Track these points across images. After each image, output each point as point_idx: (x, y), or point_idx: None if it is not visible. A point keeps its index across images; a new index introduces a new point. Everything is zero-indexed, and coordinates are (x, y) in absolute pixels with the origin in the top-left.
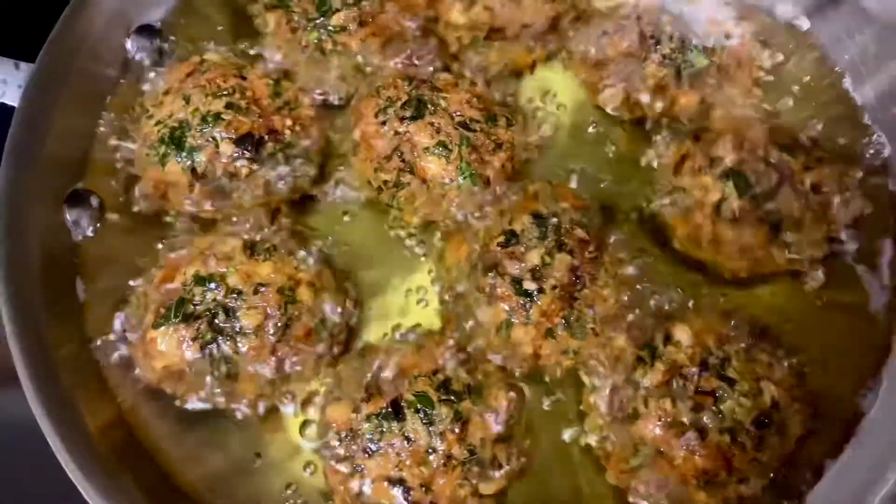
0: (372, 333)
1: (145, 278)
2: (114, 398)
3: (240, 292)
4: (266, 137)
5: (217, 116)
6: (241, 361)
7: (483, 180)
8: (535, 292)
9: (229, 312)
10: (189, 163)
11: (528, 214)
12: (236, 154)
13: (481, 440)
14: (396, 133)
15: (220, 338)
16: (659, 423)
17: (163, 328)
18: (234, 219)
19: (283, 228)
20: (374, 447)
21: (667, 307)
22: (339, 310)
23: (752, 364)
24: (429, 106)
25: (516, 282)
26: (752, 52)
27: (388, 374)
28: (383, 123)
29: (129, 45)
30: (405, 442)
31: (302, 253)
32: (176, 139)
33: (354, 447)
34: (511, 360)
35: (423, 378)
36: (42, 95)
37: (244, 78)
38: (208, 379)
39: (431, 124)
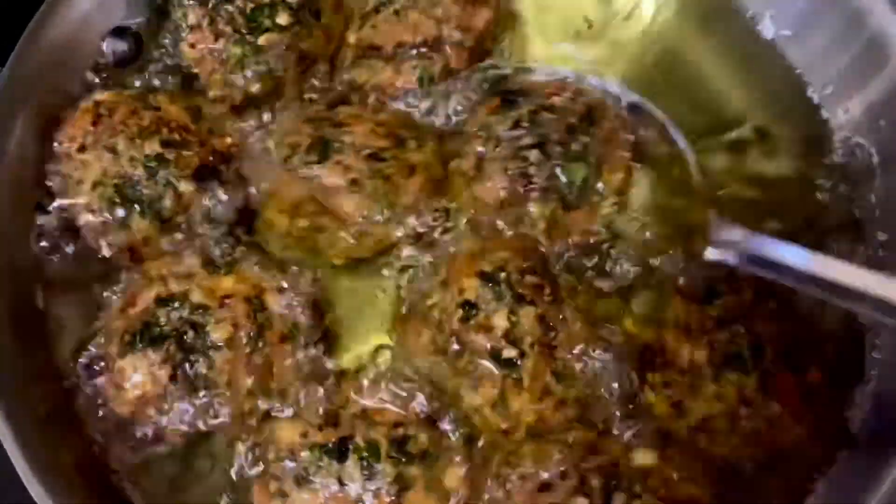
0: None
1: (106, 311)
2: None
3: (206, 307)
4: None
5: (161, 158)
6: (217, 377)
7: (401, 208)
8: (518, 358)
9: (197, 329)
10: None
11: (475, 277)
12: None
13: None
14: (305, 178)
15: (192, 356)
16: None
17: (130, 356)
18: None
19: (242, 242)
20: (305, 478)
21: None
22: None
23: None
24: (331, 144)
25: (495, 355)
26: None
27: (351, 410)
28: (290, 171)
29: (105, 47)
30: (338, 485)
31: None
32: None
33: (288, 471)
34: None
35: (382, 426)
36: (10, 101)
37: (157, 108)
38: (184, 403)
39: (339, 162)
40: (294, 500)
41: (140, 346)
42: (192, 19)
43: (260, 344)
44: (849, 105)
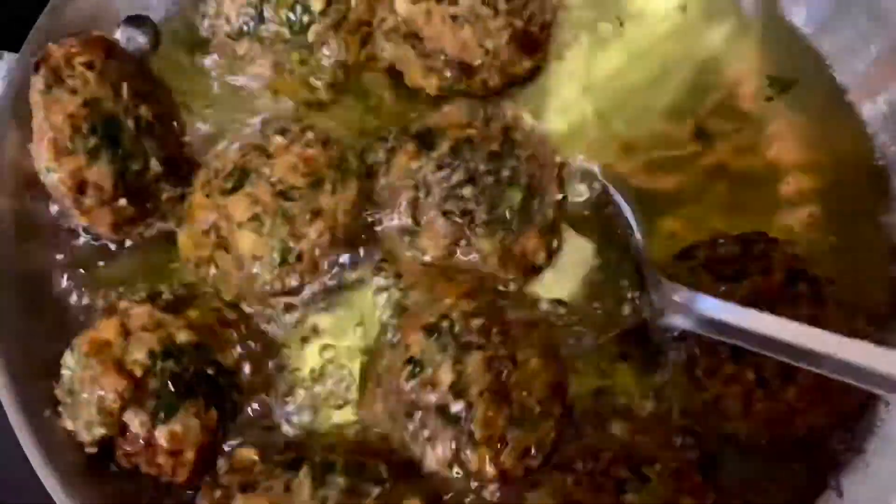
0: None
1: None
2: None
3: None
4: None
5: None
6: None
7: (295, 255)
8: (465, 410)
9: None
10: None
11: (420, 331)
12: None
13: None
14: (217, 206)
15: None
16: None
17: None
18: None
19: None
20: (252, 488)
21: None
22: None
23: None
24: (251, 175)
25: (441, 411)
26: None
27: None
28: (207, 196)
29: (119, 35)
30: (285, 493)
31: None
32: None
33: (236, 481)
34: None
35: (344, 454)
36: (26, 86)
37: None
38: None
39: (249, 195)
40: None
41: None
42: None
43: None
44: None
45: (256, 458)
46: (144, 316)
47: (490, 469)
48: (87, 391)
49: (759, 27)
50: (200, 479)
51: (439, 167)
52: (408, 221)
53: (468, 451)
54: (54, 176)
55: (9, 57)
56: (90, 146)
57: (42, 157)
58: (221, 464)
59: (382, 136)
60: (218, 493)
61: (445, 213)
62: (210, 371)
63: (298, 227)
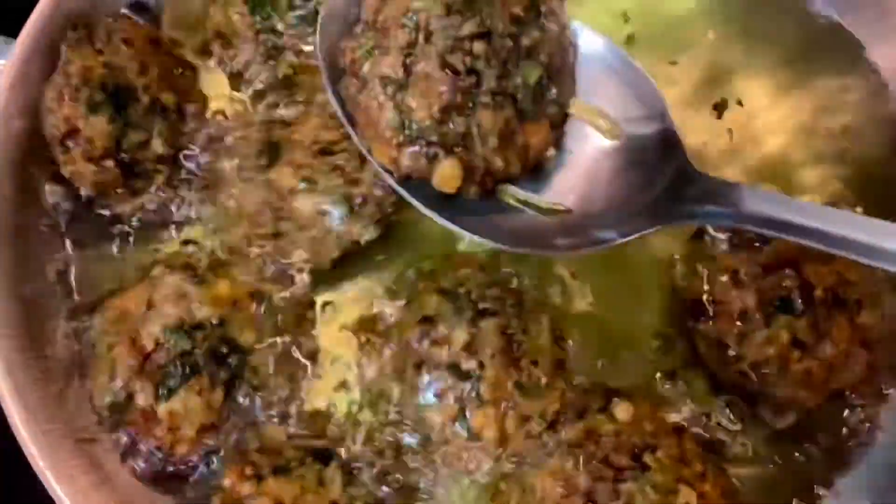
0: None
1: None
2: None
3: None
4: None
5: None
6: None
7: (353, 200)
8: (477, 369)
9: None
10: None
11: (435, 294)
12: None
13: None
14: (260, 184)
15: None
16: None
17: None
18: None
19: None
20: (285, 472)
21: None
22: None
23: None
24: (283, 145)
25: (452, 367)
26: None
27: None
28: (245, 181)
29: None
30: (318, 486)
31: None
32: None
33: (266, 462)
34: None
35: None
36: (26, 72)
37: None
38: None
39: (290, 163)
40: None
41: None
42: None
43: None
44: None
45: (285, 437)
46: (171, 286)
47: (491, 430)
48: (103, 358)
49: None
50: (204, 453)
51: (448, 10)
52: (396, 70)
53: (473, 409)
54: (50, 119)
55: (10, 43)
56: (94, 100)
57: (46, 98)
58: (250, 437)
59: None
60: (248, 470)
61: (446, 66)
62: (223, 349)
63: (351, 173)
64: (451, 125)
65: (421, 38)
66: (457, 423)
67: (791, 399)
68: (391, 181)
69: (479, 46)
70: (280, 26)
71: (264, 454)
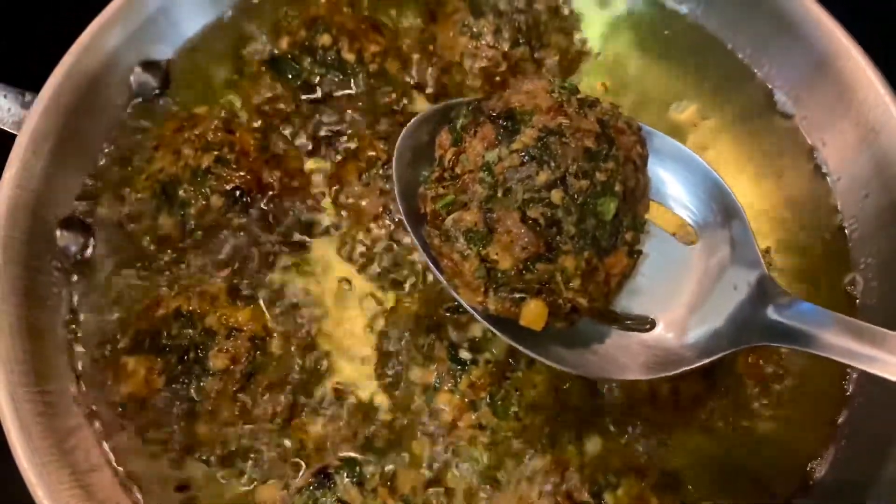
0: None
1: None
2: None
3: (214, 333)
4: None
5: (207, 171)
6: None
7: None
8: (468, 362)
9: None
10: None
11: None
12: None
13: (412, 489)
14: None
15: (186, 376)
16: None
17: (135, 356)
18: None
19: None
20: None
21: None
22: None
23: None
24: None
25: (452, 347)
26: None
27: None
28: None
29: (132, 79)
30: None
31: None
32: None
33: None
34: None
35: (344, 442)
36: (45, 127)
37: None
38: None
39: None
40: None
41: (146, 349)
42: None
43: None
44: None
45: (282, 491)
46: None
47: (448, 415)
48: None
49: None
50: None
51: (522, 161)
52: (479, 226)
53: (443, 391)
54: None
55: (29, 97)
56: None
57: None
58: None
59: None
60: None
61: (527, 220)
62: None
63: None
64: (534, 272)
65: (500, 192)
66: (427, 392)
67: None
68: (479, 318)
69: (556, 195)
70: None
71: None
